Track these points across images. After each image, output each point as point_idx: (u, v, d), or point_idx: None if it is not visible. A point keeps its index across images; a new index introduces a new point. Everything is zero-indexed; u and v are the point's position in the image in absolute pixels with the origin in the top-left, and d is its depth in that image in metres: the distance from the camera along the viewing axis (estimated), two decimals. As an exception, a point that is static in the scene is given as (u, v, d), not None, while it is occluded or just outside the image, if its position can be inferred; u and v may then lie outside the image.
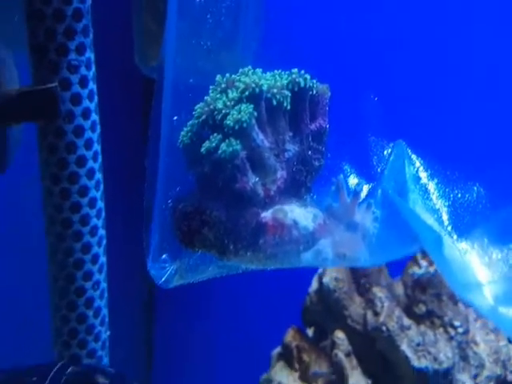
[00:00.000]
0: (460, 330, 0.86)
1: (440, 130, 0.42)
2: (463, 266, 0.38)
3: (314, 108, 0.42)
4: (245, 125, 0.39)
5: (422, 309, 0.88)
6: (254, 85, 0.39)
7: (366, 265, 0.40)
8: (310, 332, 0.92)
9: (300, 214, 0.40)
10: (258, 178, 0.40)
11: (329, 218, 0.40)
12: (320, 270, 0.92)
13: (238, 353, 1.06)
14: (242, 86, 0.40)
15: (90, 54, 0.62)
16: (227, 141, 0.39)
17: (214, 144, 0.39)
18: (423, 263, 0.89)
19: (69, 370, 0.48)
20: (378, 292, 0.88)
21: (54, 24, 0.60)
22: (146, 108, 0.97)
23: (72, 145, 0.63)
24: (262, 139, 0.40)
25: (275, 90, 0.40)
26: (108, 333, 0.67)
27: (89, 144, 0.64)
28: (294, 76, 0.41)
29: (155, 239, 0.42)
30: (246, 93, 0.40)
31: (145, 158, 0.99)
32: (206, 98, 0.41)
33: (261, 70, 0.42)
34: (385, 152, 0.42)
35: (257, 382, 0.86)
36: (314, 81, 0.42)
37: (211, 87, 0.42)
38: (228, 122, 0.39)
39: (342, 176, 0.42)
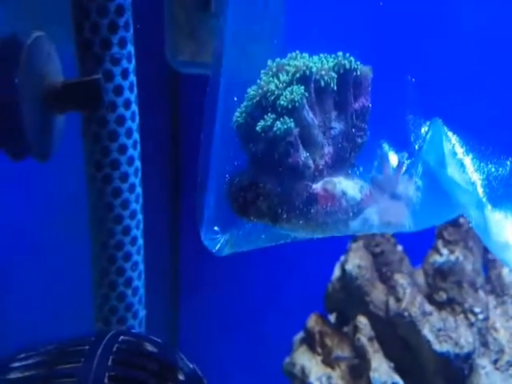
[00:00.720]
0: (480, 316, 0.87)
1: (474, 107, 0.45)
2: (499, 229, 0.41)
3: (357, 88, 0.45)
4: (297, 104, 0.42)
5: (442, 296, 0.89)
6: (304, 67, 0.43)
7: (411, 230, 0.43)
8: (332, 318, 0.94)
9: (348, 186, 0.43)
10: (308, 154, 0.43)
11: (374, 188, 0.44)
12: (342, 258, 0.93)
13: (258, 342, 1.07)
14: (292, 69, 0.43)
15: (130, 48, 0.66)
16: (281, 119, 0.42)
17: (268, 123, 0.43)
18: (444, 251, 0.91)
19: (119, 339, 0.50)
20: (400, 279, 0.90)
21: (98, 19, 0.64)
22: (174, 103, 1.00)
23: (114, 133, 0.66)
24: (311, 118, 0.43)
25: (323, 72, 0.43)
26: (144, 312, 0.71)
27: (129, 133, 0.67)
28: (339, 59, 0.45)
29: (209, 212, 0.45)
30: (297, 75, 0.43)
31: (172, 149, 1.01)
32: (258, 81, 0.44)
33: (307, 54, 0.45)
34: (422, 130, 0.45)
35: (278, 368, 0.88)
36: (358, 63, 0.45)
37: (262, 71, 0.45)
38: (281, 102, 0.42)
39: (385, 147, 0.45)
